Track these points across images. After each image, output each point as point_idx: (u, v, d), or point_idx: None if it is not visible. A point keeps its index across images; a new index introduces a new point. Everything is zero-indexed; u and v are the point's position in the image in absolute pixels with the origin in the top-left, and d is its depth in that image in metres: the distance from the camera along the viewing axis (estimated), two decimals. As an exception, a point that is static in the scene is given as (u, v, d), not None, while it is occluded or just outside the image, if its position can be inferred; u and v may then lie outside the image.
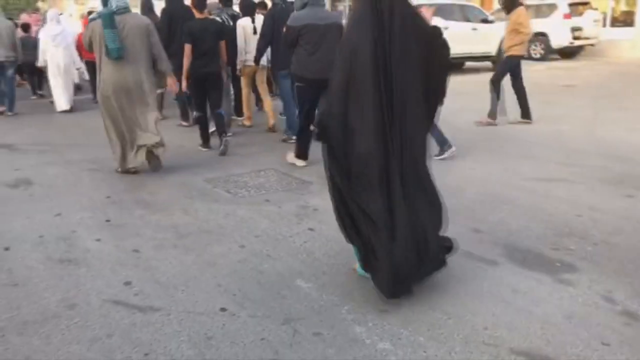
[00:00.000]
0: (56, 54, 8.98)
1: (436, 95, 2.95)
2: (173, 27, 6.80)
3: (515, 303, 2.76)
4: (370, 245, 2.78)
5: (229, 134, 6.68)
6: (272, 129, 7.08)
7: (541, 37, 15.39)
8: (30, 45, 9.67)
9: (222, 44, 6.00)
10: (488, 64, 13.68)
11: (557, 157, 5.53)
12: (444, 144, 5.54)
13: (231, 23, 6.96)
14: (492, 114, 7.12)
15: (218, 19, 6.74)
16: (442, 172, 5.03)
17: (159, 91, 7.54)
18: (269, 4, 7.31)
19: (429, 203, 2.87)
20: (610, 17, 19.24)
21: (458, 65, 14.01)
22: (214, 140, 6.21)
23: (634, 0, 18.67)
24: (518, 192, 4.45)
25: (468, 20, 13.28)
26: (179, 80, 5.77)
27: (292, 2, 5.82)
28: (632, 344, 2.40)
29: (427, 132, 2.99)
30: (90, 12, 10.73)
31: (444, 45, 2.97)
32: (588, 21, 15.64)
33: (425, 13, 3.42)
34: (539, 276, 3.03)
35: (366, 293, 2.86)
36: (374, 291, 2.84)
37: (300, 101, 5.27)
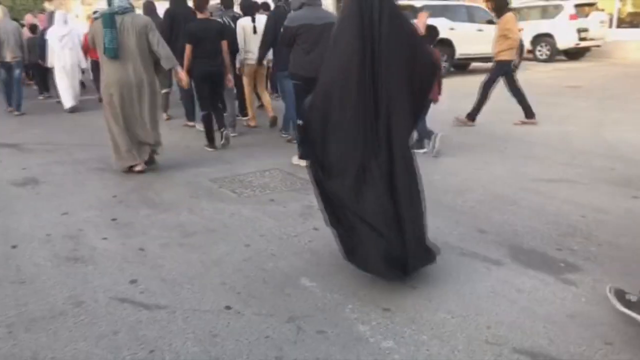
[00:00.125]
0: (63, 55, 9.06)
1: (422, 94, 3.04)
2: (175, 29, 6.88)
3: (519, 303, 2.76)
4: (350, 232, 2.93)
5: (233, 134, 6.75)
6: (274, 122, 7.24)
7: (547, 38, 15.38)
8: (38, 46, 9.76)
9: (224, 43, 6.09)
10: (493, 65, 13.63)
11: (563, 158, 5.53)
12: (425, 138, 5.71)
13: (232, 25, 7.05)
14: (471, 116, 7.12)
15: (220, 20, 6.81)
16: (447, 173, 5.07)
17: (164, 91, 7.63)
18: (272, 6, 7.43)
19: (418, 197, 2.99)
20: (616, 18, 19.18)
21: (464, 66, 14.02)
22: (219, 140, 6.26)
23: (640, 1, 18.61)
24: (523, 193, 4.45)
25: (474, 22, 13.28)
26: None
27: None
28: (635, 343, 2.41)
29: (412, 129, 3.10)
30: (96, 12, 10.80)
31: (428, 48, 3.11)
32: (594, 22, 15.60)
33: (420, 18, 3.52)
34: (543, 276, 3.03)
35: (370, 292, 2.87)
36: (378, 290, 2.87)
37: (297, 99, 5.34)
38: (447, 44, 12.55)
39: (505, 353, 2.36)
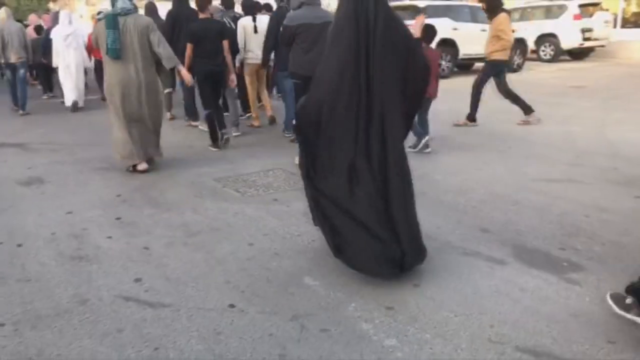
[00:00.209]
0: (67, 54, 9.10)
1: (416, 96, 3.08)
2: (177, 29, 6.93)
3: (522, 302, 2.77)
4: (339, 230, 2.97)
5: (236, 133, 6.78)
6: (272, 121, 7.41)
7: (551, 38, 15.35)
8: (42, 46, 9.81)
9: (226, 43, 6.15)
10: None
11: (566, 157, 5.53)
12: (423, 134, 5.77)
13: (233, 25, 7.10)
14: (470, 117, 7.12)
15: (221, 20, 6.87)
16: (449, 173, 5.08)
17: (166, 91, 7.67)
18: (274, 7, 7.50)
19: (411, 197, 3.04)
20: (620, 18, 19.13)
21: (467, 66, 14.01)
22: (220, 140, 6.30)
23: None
24: (526, 193, 4.45)
25: (477, 22, 13.27)
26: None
27: None
28: (637, 342, 2.41)
29: (406, 131, 3.18)
30: (99, 13, 10.84)
31: (422, 51, 3.17)
32: (598, 22, 15.57)
33: (417, 20, 3.57)
34: (546, 276, 3.04)
35: (373, 291, 2.88)
36: (381, 289, 2.88)
37: (297, 98, 5.37)
38: (451, 44, 12.55)
39: (508, 351, 2.36)
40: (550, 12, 15.76)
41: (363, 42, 2.86)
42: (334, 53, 2.97)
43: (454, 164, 5.39)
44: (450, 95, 7.89)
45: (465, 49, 12.80)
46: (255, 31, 6.93)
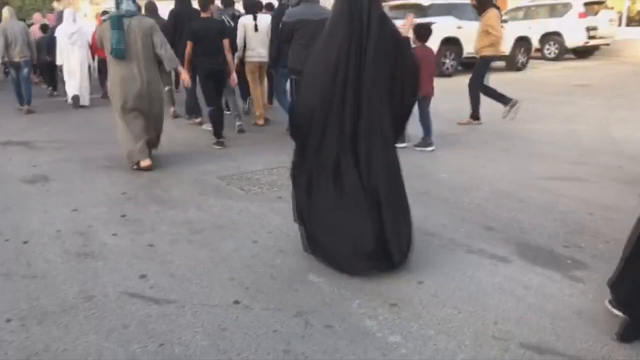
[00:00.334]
0: (71, 52, 9.14)
1: (407, 95, 3.13)
2: (179, 29, 6.95)
3: (526, 299, 2.77)
4: (321, 228, 3.06)
5: (239, 122, 6.90)
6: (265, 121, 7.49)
7: (556, 36, 15.30)
8: (46, 44, 9.84)
9: (226, 42, 6.19)
10: (501, 63, 13.60)
11: (570, 156, 5.52)
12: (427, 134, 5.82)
13: (232, 23, 7.14)
14: (473, 115, 7.12)
15: (221, 19, 6.90)
16: (453, 171, 5.08)
17: (166, 88, 7.70)
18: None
19: (399, 194, 3.08)
20: (625, 16, 19.03)
21: (471, 64, 13.96)
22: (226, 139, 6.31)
23: (650, -1, 18.49)
24: (530, 191, 4.45)
25: (481, 20, 13.23)
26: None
27: None
28: (642, 340, 2.41)
29: (399, 129, 3.27)
30: (104, 12, 10.90)
31: (409, 51, 3.18)
32: (603, 20, 15.51)
33: (407, 21, 3.59)
34: (550, 273, 3.04)
35: (377, 288, 2.89)
36: (385, 286, 2.89)
37: (296, 93, 5.41)
38: (455, 43, 12.51)
39: (512, 348, 2.37)
40: (554, 10, 15.71)
41: (356, 41, 2.89)
42: (324, 52, 3.02)
43: (458, 162, 5.39)
44: (454, 94, 7.88)
45: (470, 48, 12.71)
46: (256, 30, 6.97)
